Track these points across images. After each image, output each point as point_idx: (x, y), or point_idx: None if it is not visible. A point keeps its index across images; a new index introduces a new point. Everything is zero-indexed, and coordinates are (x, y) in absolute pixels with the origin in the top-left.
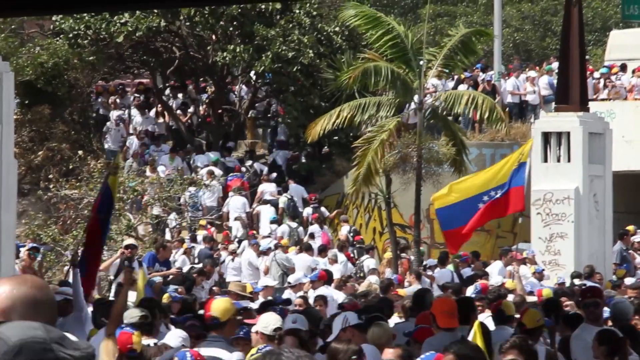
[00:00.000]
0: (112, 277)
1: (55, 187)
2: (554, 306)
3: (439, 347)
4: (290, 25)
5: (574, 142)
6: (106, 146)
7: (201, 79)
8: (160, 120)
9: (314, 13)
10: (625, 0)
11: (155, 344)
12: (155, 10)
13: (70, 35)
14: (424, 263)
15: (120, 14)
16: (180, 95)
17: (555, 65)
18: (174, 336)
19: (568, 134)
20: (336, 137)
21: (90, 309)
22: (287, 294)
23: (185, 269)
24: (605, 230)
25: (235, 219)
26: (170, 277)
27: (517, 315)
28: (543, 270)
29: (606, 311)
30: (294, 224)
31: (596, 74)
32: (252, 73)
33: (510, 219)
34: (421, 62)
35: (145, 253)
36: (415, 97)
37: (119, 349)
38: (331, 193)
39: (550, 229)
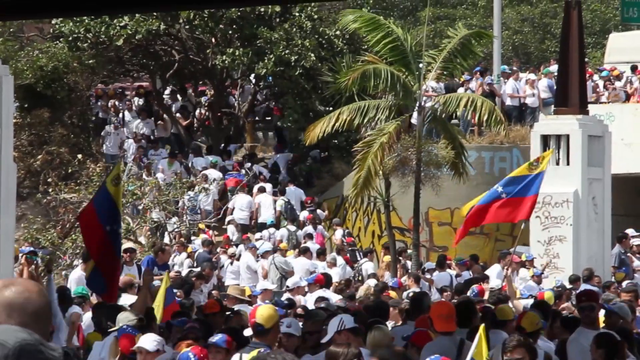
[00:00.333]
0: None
1: (55, 190)
2: (547, 309)
3: (439, 352)
4: (293, 29)
5: (573, 145)
6: (105, 150)
7: (200, 82)
8: (160, 123)
9: (315, 16)
10: (624, 2)
11: None
12: (155, 14)
13: (70, 38)
14: (423, 266)
15: (119, 17)
16: (179, 98)
17: (554, 67)
18: (149, 340)
19: (567, 136)
20: (335, 141)
21: (88, 314)
22: (286, 297)
23: (184, 272)
24: (604, 233)
25: (229, 222)
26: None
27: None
28: (542, 273)
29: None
30: (292, 227)
31: (595, 77)
32: (252, 76)
33: (509, 222)
34: (420, 65)
35: (143, 257)
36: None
37: (121, 351)
38: (330, 196)
39: (549, 232)
